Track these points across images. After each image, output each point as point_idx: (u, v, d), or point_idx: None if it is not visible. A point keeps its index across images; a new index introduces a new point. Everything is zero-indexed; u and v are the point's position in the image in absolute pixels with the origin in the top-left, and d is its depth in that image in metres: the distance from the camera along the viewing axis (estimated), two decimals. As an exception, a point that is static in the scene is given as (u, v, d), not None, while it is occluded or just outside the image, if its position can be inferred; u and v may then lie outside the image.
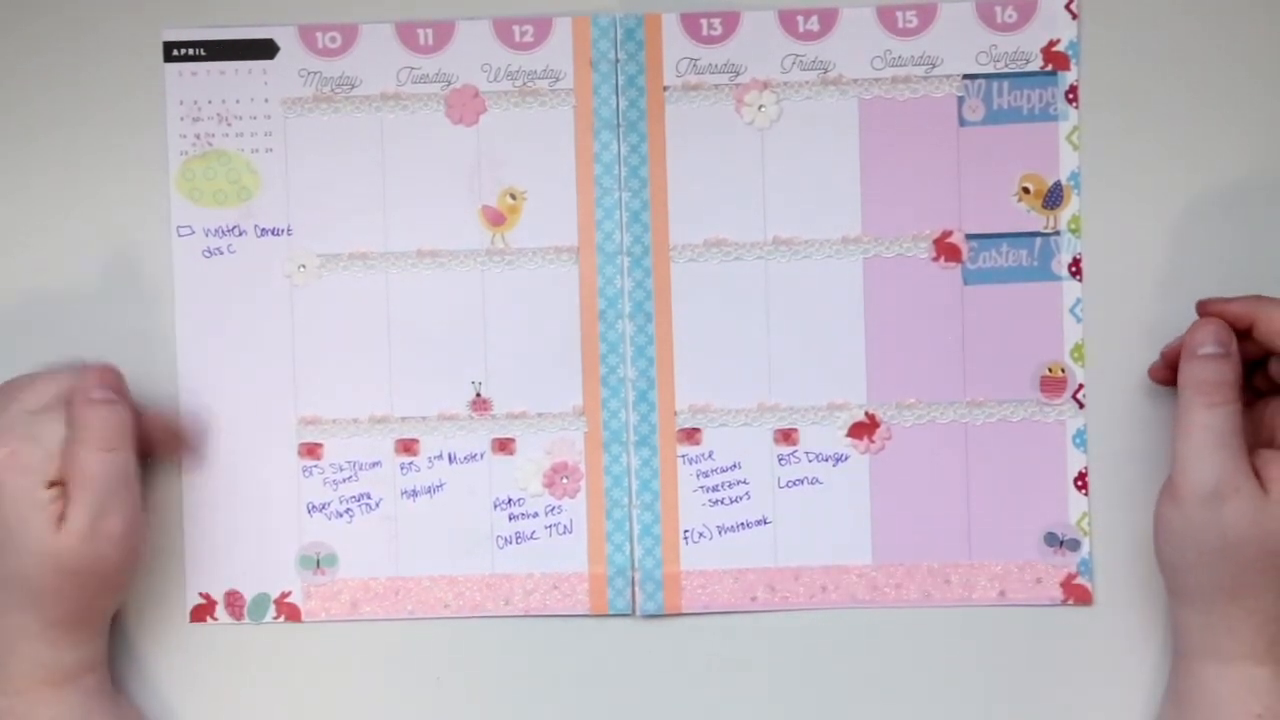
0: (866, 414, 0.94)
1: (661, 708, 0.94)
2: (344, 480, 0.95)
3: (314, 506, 0.95)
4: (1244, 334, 0.87)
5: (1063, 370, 0.94)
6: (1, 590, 0.86)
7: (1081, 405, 0.94)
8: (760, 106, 0.94)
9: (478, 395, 0.95)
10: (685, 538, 0.94)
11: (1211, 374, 0.86)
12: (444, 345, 0.95)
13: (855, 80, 0.94)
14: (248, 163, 0.95)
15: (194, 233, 0.95)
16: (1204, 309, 0.89)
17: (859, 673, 0.94)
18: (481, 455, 0.95)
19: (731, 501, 0.94)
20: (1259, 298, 0.87)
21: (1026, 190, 0.94)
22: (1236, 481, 0.84)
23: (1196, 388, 0.86)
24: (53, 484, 0.85)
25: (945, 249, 0.94)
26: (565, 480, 0.95)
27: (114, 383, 0.88)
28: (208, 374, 0.95)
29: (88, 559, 0.86)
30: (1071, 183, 0.94)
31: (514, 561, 0.95)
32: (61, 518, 0.85)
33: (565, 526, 0.95)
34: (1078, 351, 0.94)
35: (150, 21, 0.95)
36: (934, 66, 0.94)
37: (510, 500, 0.95)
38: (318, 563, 0.95)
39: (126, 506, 0.87)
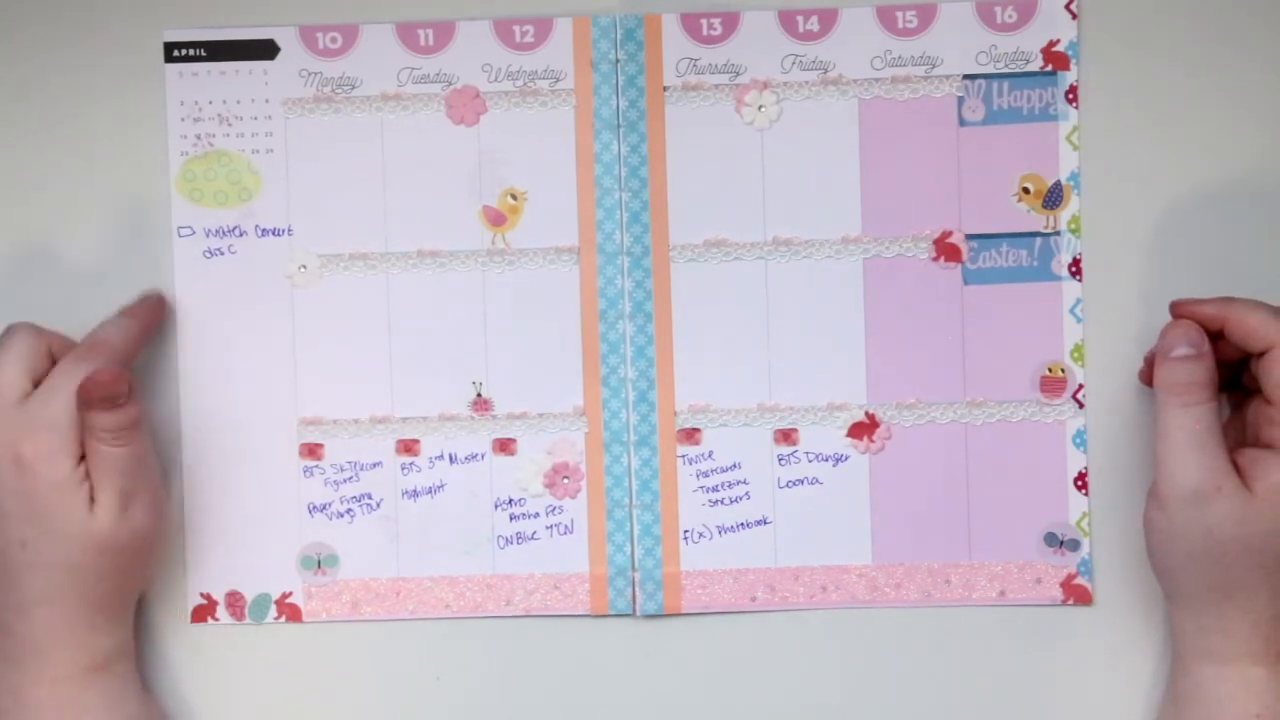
0: (866, 414, 0.94)
1: (661, 708, 0.94)
2: (345, 481, 0.95)
3: (315, 507, 0.95)
4: (1219, 334, 0.88)
5: (1063, 370, 0.94)
6: (44, 579, 0.87)
7: (1081, 405, 0.94)
8: (760, 106, 0.94)
9: (479, 395, 0.95)
10: (685, 538, 0.94)
11: (1184, 375, 0.86)
12: (445, 345, 0.95)
13: (855, 80, 0.94)
14: (248, 163, 0.95)
15: (194, 233, 0.95)
16: (1177, 310, 0.89)
17: (859, 673, 0.94)
18: (482, 455, 0.95)
19: (731, 501, 0.94)
20: (1229, 299, 0.88)
21: (1026, 190, 0.94)
22: (1217, 480, 0.84)
23: (1170, 389, 0.86)
24: (79, 461, 0.87)
25: (945, 249, 0.94)
26: (566, 480, 0.95)
27: (116, 388, 0.86)
28: (208, 374, 0.95)
29: (123, 536, 0.88)
30: (1071, 183, 0.94)
31: (515, 562, 0.95)
32: (92, 499, 0.87)
33: (566, 527, 0.95)
34: (1078, 351, 0.94)
35: (151, 22, 0.95)
36: (934, 66, 0.94)
37: (511, 500, 0.95)
38: (319, 563, 0.95)
39: (149, 486, 0.89)
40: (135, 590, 0.92)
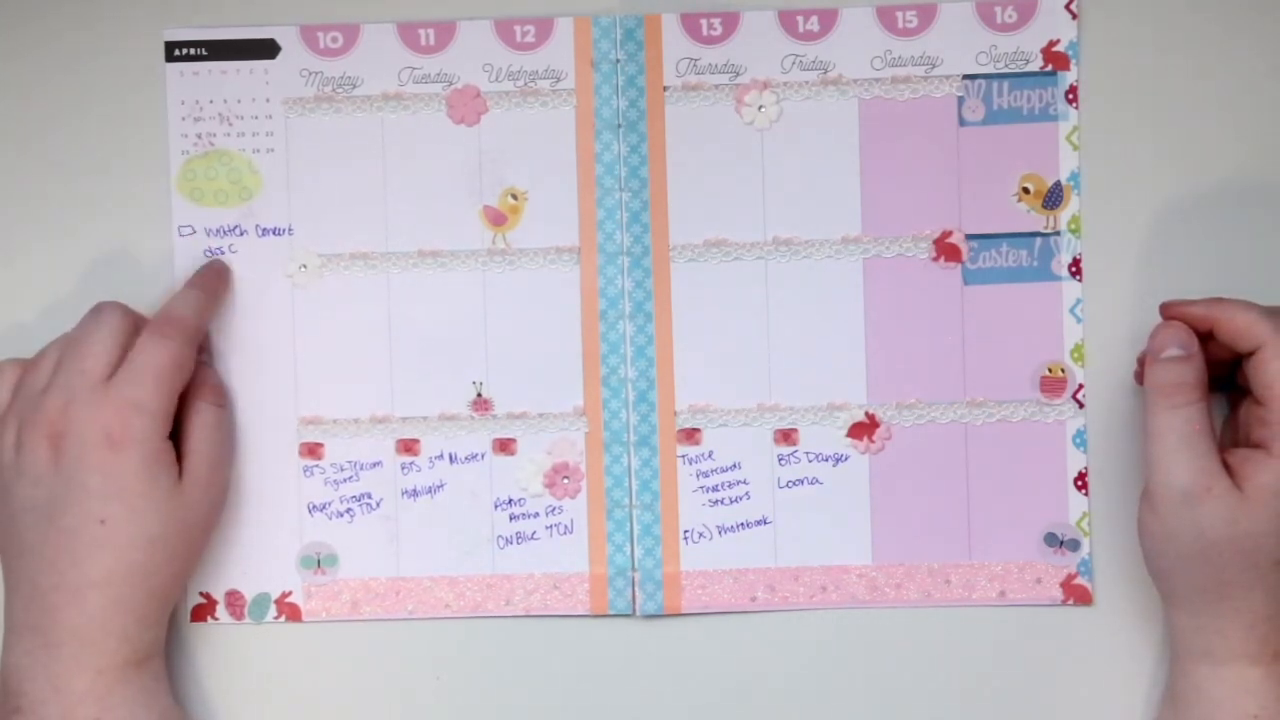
0: (866, 414, 0.94)
1: (662, 708, 0.94)
2: (345, 480, 0.95)
3: (315, 506, 0.95)
4: (1210, 335, 0.88)
5: (1063, 370, 0.94)
6: (115, 559, 0.87)
7: (1081, 405, 0.94)
8: (760, 106, 0.94)
9: (479, 395, 0.95)
10: (685, 538, 0.94)
11: (1173, 376, 0.86)
12: (445, 345, 0.95)
13: (855, 80, 0.94)
14: (249, 162, 0.95)
15: (195, 232, 0.95)
16: (1166, 312, 0.89)
17: (859, 673, 0.94)
18: (482, 455, 0.95)
19: (731, 501, 0.94)
20: (1219, 300, 0.88)
21: (1026, 190, 0.94)
22: (1208, 481, 0.84)
23: (1159, 390, 0.86)
24: (167, 436, 0.89)
25: (945, 249, 0.94)
26: (566, 480, 0.95)
27: (207, 346, 0.94)
28: (209, 373, 0.95)
29: (203, 509, 0.91)
30: (1071, 183, 0.94)
31: (514, 562, 0.95)
32: (181, 472, 0.89)
33: (566, 527, 0.95)
34: (1078, 351, 0.94)
35: (151, 21, 0.95)
36: (934, 66, 0.94)
37: (511, 500, 0.95)
38: (318, 563, 0.95)
39: (230, 456, 0.94)
40: (185, 582, 0.93)
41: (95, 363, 0.88)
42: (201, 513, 0.90)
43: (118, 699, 0.87)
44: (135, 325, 0.90)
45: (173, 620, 0.94)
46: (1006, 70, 0.94)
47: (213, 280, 0.94)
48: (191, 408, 0.91)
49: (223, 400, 0.93)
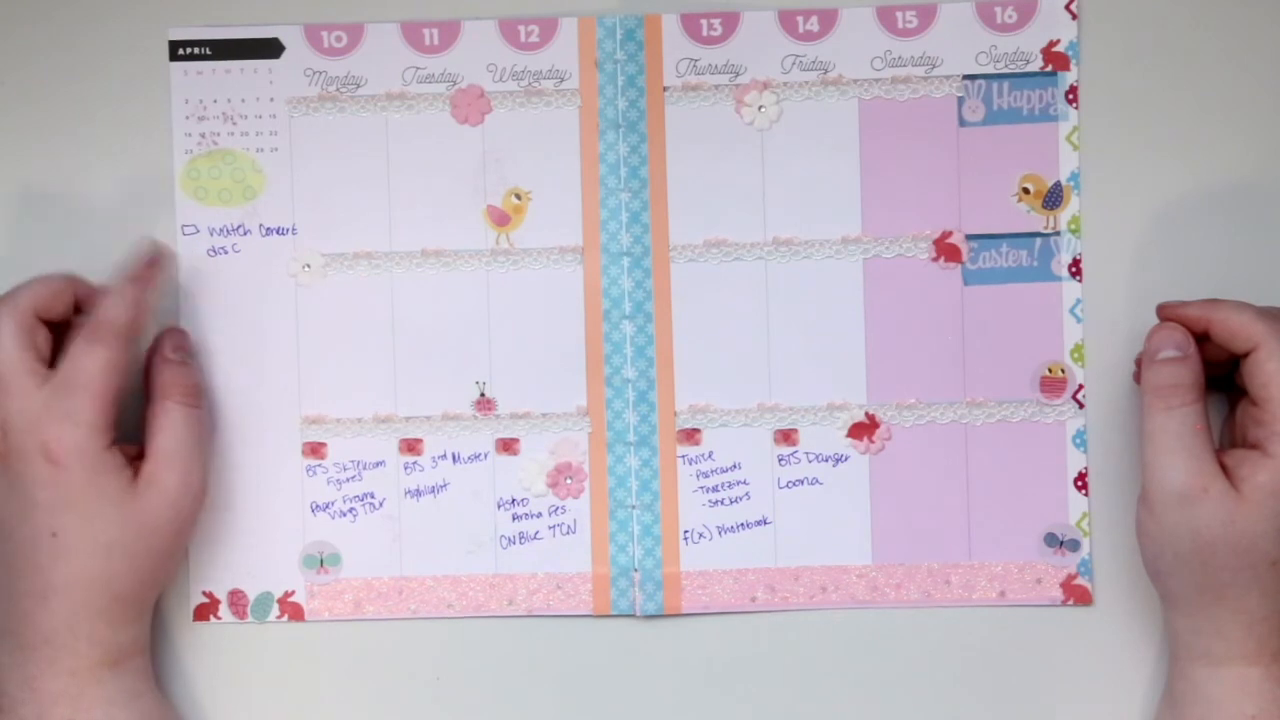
0: (866, 414, 0.94)
1: (662, 708, 0.94)
2: (348, 480, 0.95)
3: (318, 506, 0.95)
4: (1206, 336, 0.88)
5: (1063, 370, 0.93)
6: (75, 567, 0.86)
7: (1081, 405, 0.94)
8: (760, 107, 0.94)
9: (482, 395, 0.95)
10: (685, 538, 0.94)
11: (1169, 378, 0.86)
12: (448, 345, 0.95)
13: (855, 80, 0.94)
14: (253, 162, 0.95)
15: (199, 232, 0.95)
16: (1163, 313, 0.89)
17: (859, 673, 0.94)
18: (485, 455, 0.95)
19: (731, 502, 0.94)
20: (1214, 301, 0.88)
21: (1026, 190, 0.94)
22: (1204, 482, 0.84)
23: (1155, 392, 0.86)
24: (110, 443, 0.87)
25: (945, 249, 0.94)
26: (569, 480, 0.95)
27: (184, 344, 0.92)
28: (211, 373, 0.95)
29: (164, 512, 0.88)
30: (1071, 183, 0.94)
31: (517, 561, 0.95)
32: (136, 476, 0.88)
33: (569, 527, 0.95)
34: (1078, 351, 0.94)
35: (156, 20, 0.95)
36: (934, 67, 0.94)
37: (514, 500, 0.95)
38: (321, 562, 0.95)
39: (201, 460, 0.91)
40: (157, 585, 0.91)
41: (9, 370, 0.87)
42: (163, 516, 0.88)
43: (91, 700, 0.87)
44: (50, 303, 0.88)
45: (174, 620, 0.95)
46: (1006, 70, 0.94)
47: (145, 270, 0.91)
48: (158, 407, 0.90)
49: (195, 400, 0.91)
